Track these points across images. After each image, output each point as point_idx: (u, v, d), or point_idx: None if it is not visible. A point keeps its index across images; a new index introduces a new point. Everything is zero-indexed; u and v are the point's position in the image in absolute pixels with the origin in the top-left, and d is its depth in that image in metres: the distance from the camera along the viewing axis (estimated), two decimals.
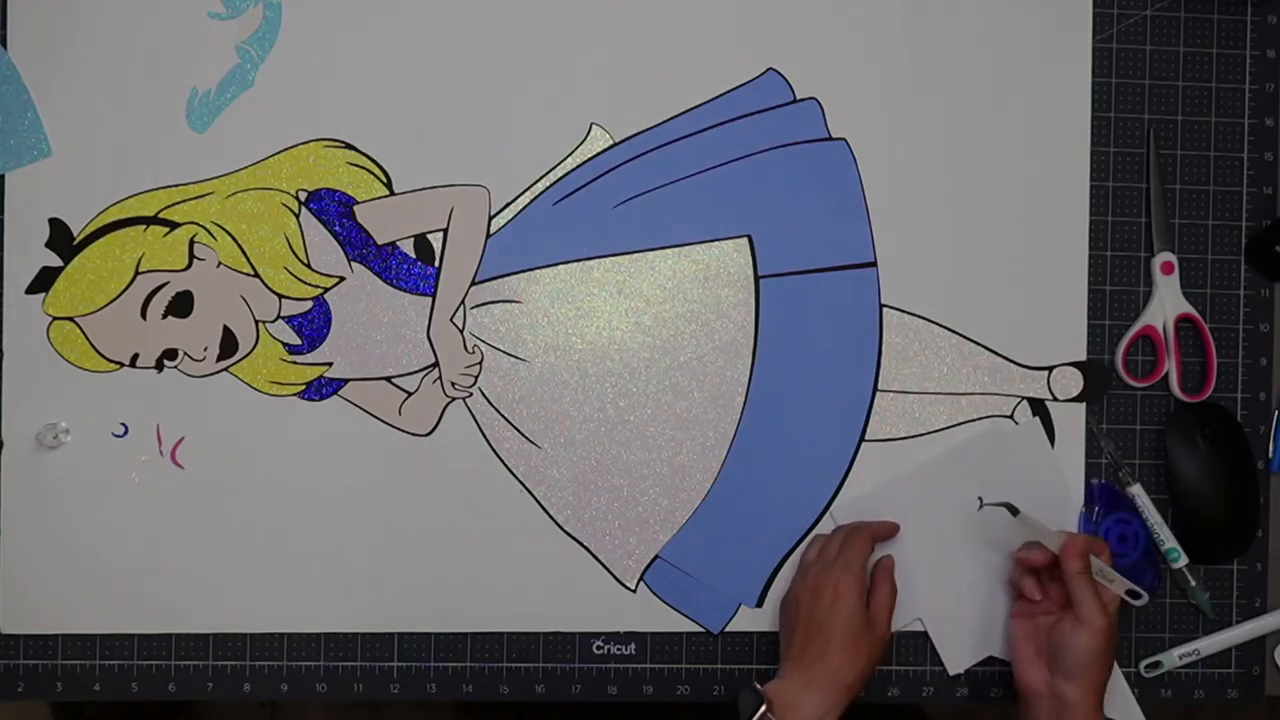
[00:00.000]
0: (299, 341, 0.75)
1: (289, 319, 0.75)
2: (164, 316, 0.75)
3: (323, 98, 0.76)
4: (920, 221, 0.78)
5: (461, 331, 0.76)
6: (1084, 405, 0.79)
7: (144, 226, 0.75)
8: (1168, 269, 0.78)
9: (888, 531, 0.76)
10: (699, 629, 0.77)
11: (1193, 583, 0.79)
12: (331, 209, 0.75)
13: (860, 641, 0.70)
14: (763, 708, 0.67)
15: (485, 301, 0.76)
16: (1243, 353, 0.80)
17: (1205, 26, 0.80)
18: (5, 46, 0.75)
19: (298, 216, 0.75)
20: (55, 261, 0.74)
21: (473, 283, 0.76)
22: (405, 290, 0.76)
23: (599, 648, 0.77)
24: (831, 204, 0.78)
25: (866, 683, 0.71)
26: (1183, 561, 0.78)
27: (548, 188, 0.76)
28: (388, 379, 0.76)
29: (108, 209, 0.75)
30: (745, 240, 0.77)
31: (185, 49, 0.75)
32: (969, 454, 0.78)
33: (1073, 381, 0.79)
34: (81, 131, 0.75)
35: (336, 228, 0.75)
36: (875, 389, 0.78)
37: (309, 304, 0.75)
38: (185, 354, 0.75)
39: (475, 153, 0.76)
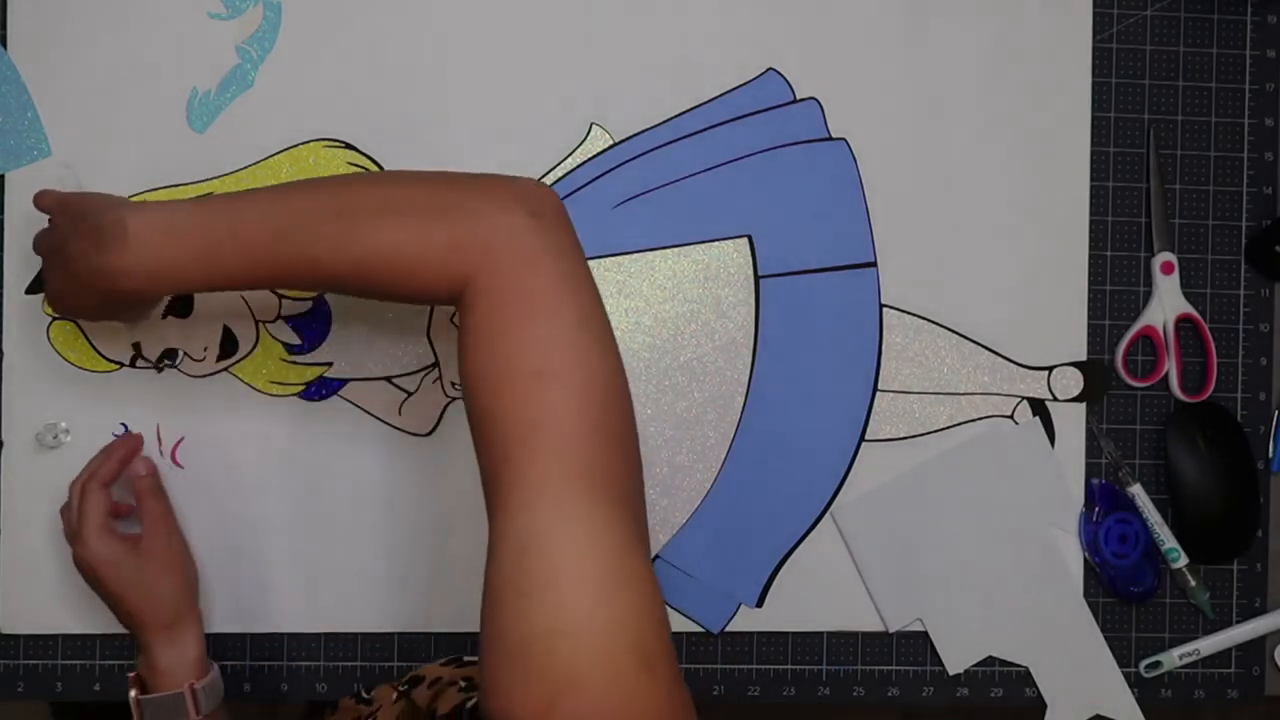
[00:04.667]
0: (299, 341, 0.75)
1: (289, 319, 0.75)
2: (164, 316, 0.75)
3: (323, 98, 0.76)
4: (920, 221, 0.78)
5: None
6: (1084, 405, 0.79)
7: None
8: (1168, 269, 0.79)
9: (121, 459, 0.71)
10: (699, 629, 0.77)
11: (1193, 583, 0.79)
12: None
13: (145, 577, 0.67)
14: (132, 692, 0.67)
15: None
16: (1243, 353, 0.80)
17: (1205, 26, 0.80)
18: (5, 46, 0.75)
19: None
20: None
21: None
22: None
23: None
24: (831, 204, 0.78)
25: (187, 587, 0.69)
26: (1183, 561, 0.78)
27: None
28: (388, 379, 0.76)
29: None
30: (745, 240, 0.77)
31: (185, 49, 0.75)
32: (969, 454, 0.78)
33: (1073, 381, 0.79)
34: (81, 131, 0.75)
35: None
36: (875, 389, 0.78)
37: (309, 304, 0.75)
38: (185, 354, 0.75)
39: (475, 152, 0.76)
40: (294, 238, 0.55)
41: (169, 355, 0.75)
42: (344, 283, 0.56)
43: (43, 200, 0.67)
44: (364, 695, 0.70)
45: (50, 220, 0.65)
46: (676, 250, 0.77)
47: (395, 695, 0.64)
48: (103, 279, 0.58)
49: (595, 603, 0.44)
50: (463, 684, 0.60)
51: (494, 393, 0.49)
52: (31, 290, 0.74)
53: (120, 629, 0.74)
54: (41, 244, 0.66)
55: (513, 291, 0.50)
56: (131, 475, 0.71)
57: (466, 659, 0.66)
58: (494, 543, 0.48)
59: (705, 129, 0.77)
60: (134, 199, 0.74)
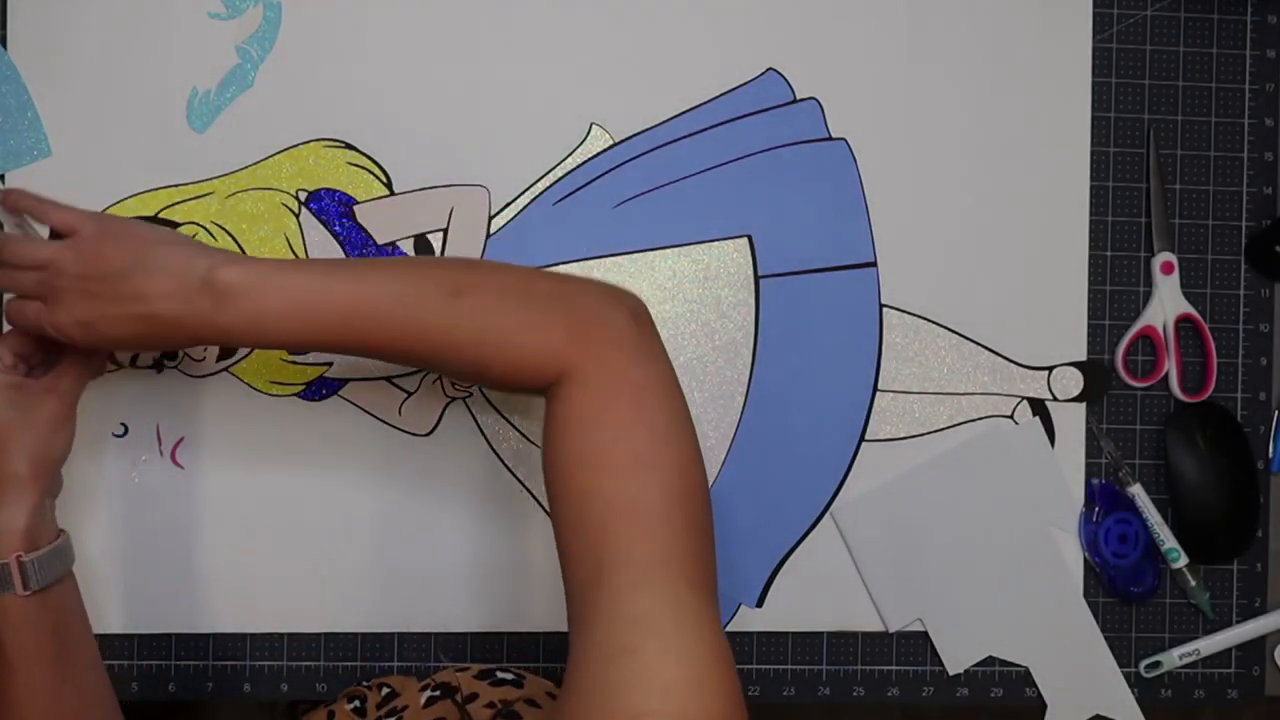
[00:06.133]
0: None
1: None
2: None
3: (323, 98, 0.76)
4: (920, 221, 0.78)
5: None
6: (1084, 405, 0.79)
7: None
8: (1168, 269, 0.79)
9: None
10: None
11: (1193, 583, 0.79)
12: (331, 209, 0.75)
13: (7, 418, 0.61)
14: None
15: None
16: (1243, 353, 0.80)
17: (1205, 26, 0.80)
18: (5, 46, 0.75)
19: (298, 216, 0.75)
20: None
21: None
22: None
23: None
24: (831, 204, 0.78)
25: (43, 460, 0.62)
26: (1183, 561, 0.78)
27: (548, 188, 0.76)
28: (388, 379, 0.76)
29: (108, 209, 0.75)
30: (745, 240, 0.77)
31: (185, 49, 0.75)
32: (969, 454, 0.78)
33: (1073, 381, 0.79)
34: (81, 131, 0.75)
35: (336, 228, 0.75)
36: (875, 389, 0.78)
37: None
38: (185, 354, 0.75)
39: (475, 153, 0.76)
40: (404, 308, 0.56)
41: (169, 355, 0.75)
42: (445, 358, 0.57)
43: (58, 216, 0.61)
44: (364, 683, 0.69)
45: (71, 237, 0.60)
46: (676, 250, 0.77)
47: (424, 699, 0.63)
48: (178, 329, 0.57)
49: (705, 694, 0.47)
50: (499, 706, 0.59)
51: (597, 472, 0.52)
52: None
53: (118, 630, 0.75)
54: (63, 263, 0.59)
55: (617, 382, 0.54)
56: None
57: (500, 674, 0.65)
58: (602, 610, 0.50)
59: (705, 129, 0.77)
60: (134, 199, 0.75)
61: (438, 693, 0.63)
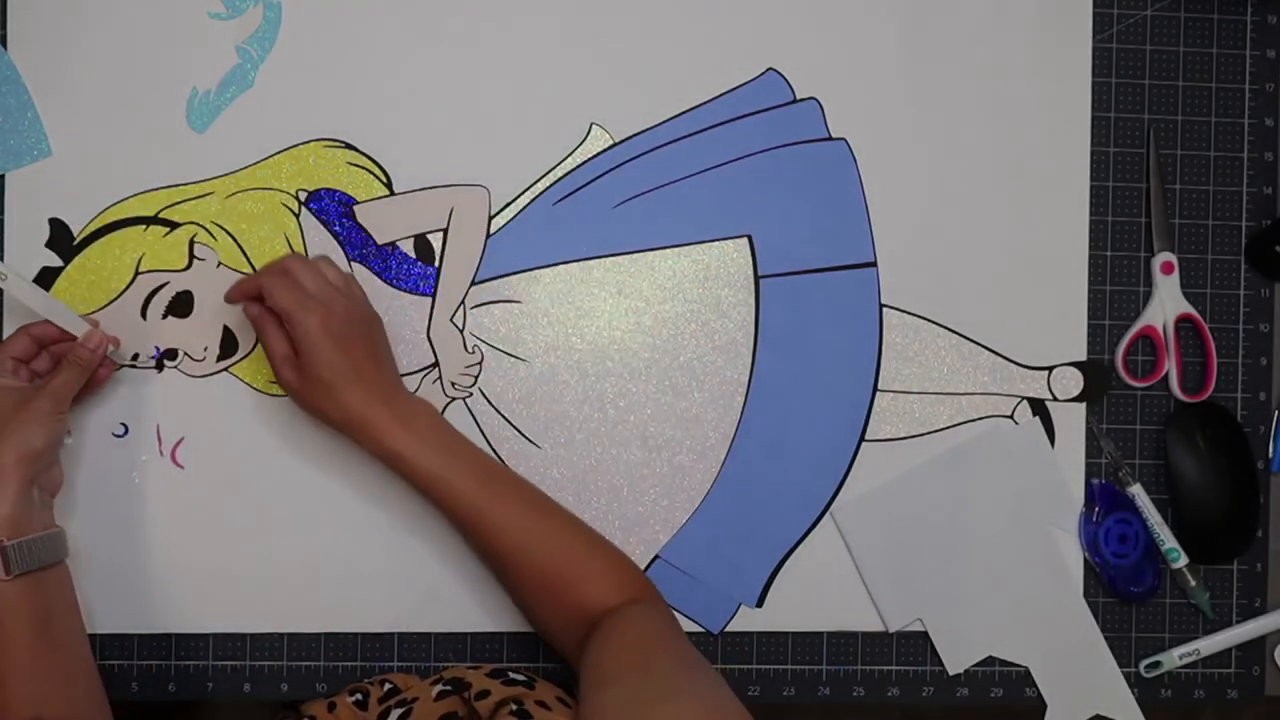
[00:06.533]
0: None
1: None
2: (164, 316, 0.75)
3: (323, 98, 0.76)
4: (920, 221, 0.78)
5: (461, 331, 0.76)
6: (1084, 405, 0.79)
7: (144, 226, 0.75)
8: (1168, 269, 0.79)
9: (63, 335, 0.71)
10: (699, 629, 0.77)
11: (1193, 583, 0.79)
12: (331, 209, 0.75)
13: None
14: None
15: (485, 301, 0.76)
16: (1243, 353, 0.80)
17: (1205, 26, 0.80)
18: (5, 46, 0.75)
19: (298, 216, 0.75)
20: (55, 261, 0.74)
21: (473, 283, 0.76)
22: (405, 290, 0.76)
23: None
24: (831, 204, 0.78)
25: (25, 454, 0.64)
26: (1183, 561, 0.78)
27: (548, 188, 0.77)
28: None
29: (108, 209, 0.75)
30: (745, 240, 0.77)
31: (185, 49, 0.75)
32: (969, 454, 0.78)
33: (1073, 381, 0.79)
34: (81, 131, 0.75)
35: (336, 228, 0.75)
36: (875, 389, 0.78)
37: None
38: (185, 354, 0.75)
39: (475, 153, 0.76)
40: (532, 505, 0.71)
41: (169, 355, 0.75)
42: (548, 553, 0.69)
43: (329, 268, 0.70)
44: (366, 681, 0.69)
45: (331, 287, 0.68)
46: (676, 250, 0.77)
47: (435, 692, 0.63)
48: (361, 425, 0.68)
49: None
50: (514, 707, 0.60)
51: (674, 639, 0.66)
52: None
53: (118, 630, 0.75)
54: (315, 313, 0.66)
55: (668, 615, 0.70)
56: (79, 343, 0.70)
57: (512, 674, 0.65)
58: (654, 689, 0.58)
59: (705, 129, 0.77)
60: (135, 199, 0.74)
61: (449, 688, 0.63)
